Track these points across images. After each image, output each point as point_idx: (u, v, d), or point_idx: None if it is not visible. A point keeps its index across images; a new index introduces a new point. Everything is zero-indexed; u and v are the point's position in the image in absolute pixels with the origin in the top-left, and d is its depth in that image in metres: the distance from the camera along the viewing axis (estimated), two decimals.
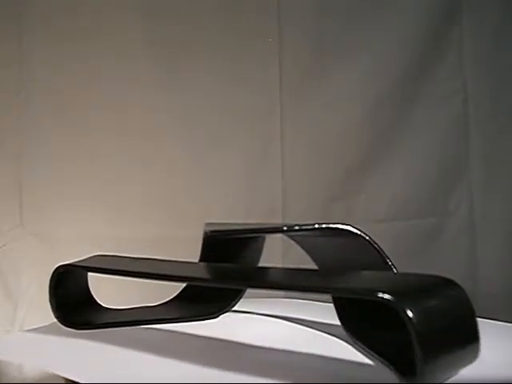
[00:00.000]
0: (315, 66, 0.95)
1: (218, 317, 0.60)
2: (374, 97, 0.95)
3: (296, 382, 0.39)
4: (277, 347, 0.49)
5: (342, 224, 0.50)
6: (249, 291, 0.60)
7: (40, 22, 0.92)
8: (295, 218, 0.92)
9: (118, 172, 0.94)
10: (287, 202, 0.95)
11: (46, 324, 0.56)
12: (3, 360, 0.47)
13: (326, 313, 0.55)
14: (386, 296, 0.35)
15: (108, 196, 0.93)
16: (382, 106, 0.95)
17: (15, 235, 0.93)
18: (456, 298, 0.37)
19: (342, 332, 0.52)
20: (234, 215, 0.90)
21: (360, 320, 0.51)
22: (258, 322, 0.60)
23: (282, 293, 0.74)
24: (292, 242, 0.60)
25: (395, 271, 0.50)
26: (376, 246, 0.50)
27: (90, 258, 0.57)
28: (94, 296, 0.58)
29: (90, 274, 0.56)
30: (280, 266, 0.89)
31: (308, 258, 0.59)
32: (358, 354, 0.47)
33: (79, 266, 0.55)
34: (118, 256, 0.57)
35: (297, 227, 0.52)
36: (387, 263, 0.50)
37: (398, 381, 0.37)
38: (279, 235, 0.72)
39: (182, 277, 0.51)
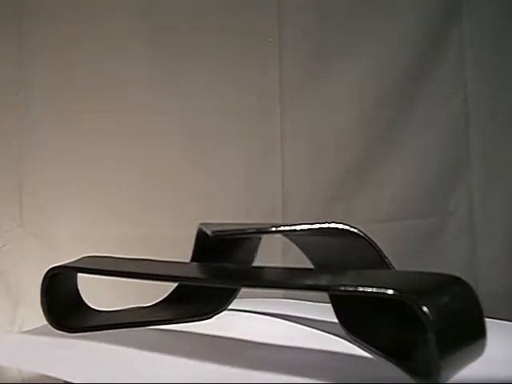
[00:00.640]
0: (315, 66, 0.95)
1: (212, 317, 0.59)
2: (374, 97, 0.95)
3: (308, 381, 0.39)
4: (281, 345, 0.49)
5: (339, 223, 0.50)
6: (249, 292, 0.60)
7: (40, 22, 0.93)
8: (295, 218, 0.91)
9: (118, 172, 0.94)
10: (287, 202, 0.95)
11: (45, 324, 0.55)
12: None
13: (326, 312, 0.55)
14: (403, 294, 0.35)
15: (108, 196, 0.93)
16: (382, 105, 0.95)
17: (15, 235, 0.93)
18: (465, 294, 0.38)
19: (341, 330, 0.52)
20: (233, 215, 0.90)
21: (359, 318, 0.51)
22: (257, 321, 0.60)
23: (281, 293, 0.74)
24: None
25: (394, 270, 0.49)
26: (374, 244, 0.50)
27: (81, 259, 0.56)
28: (92, 297, 0.57)
29: (84, 275, 0.55)
30: (280, 265, 0.89)
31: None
32: (360, 351, 0.47)
33: (71, 268, 0.54)
34: (109, 257, 0.57)
35: (294, 227, 0.51)
36: (385, 262, 0.49)
37: (413, 380, 0.38)
38: (279, 235, 0.72)
39: (174, 276, 0.50)
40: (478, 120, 0.97)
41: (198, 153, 0.95)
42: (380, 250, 0.50)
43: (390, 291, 0.36)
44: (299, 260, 0.59)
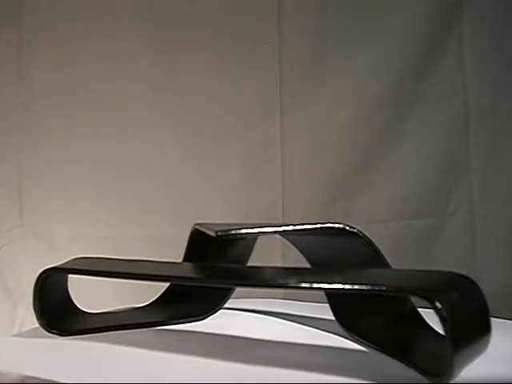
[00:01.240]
0: (315, 65, 0.95)
1: (205, 318, 0.59)
2: (374, 97, 0.95)
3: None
4: (280, 342, 0.49)
5: (339, 223, 0.50)
6: (249, 292, 0.60)
7: (40, 22, 0.93)
8: (295, 218, 0.91)
9: (118, 172, 0.94)
10: (287, 202, 0.95)
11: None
12: None
13: (322, 311, 0.55)
14: (420, 292, 0.36)
15: (108, 196, 0.93)
16: (382, 106, 0.95)
17: (15, 235, 0.93)
18: (473, 291, 0.39)
19: (338, 328, 0.52)
20: (233, 215, 0.90)
21: (358, 316, 0.51)
22: (255, 320, 0.60)
23: (281, 294, 0.74)
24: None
25: None
26: (373, 245, 0.50)
27: (72, 260, 0.56)
28: (87, 298, 0.57)
29: (78, 276, 0.54)
30: (280, 265, 0.89)
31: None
32: (360, 347, 0.47)
33: (62, 269, 0.53)
34: (100, 258, 0.56)
35: (294, 227, 0.51)
36: (383, 261, 0.50)
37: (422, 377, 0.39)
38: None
39: (166, 276, 0.50)
40: (478, 120, 0.97)
41: (197, 153, 0.95)
42: (379, 249, 0.50)
43: (416, 290, 0.37)
44: (299, 260, 0.59)
